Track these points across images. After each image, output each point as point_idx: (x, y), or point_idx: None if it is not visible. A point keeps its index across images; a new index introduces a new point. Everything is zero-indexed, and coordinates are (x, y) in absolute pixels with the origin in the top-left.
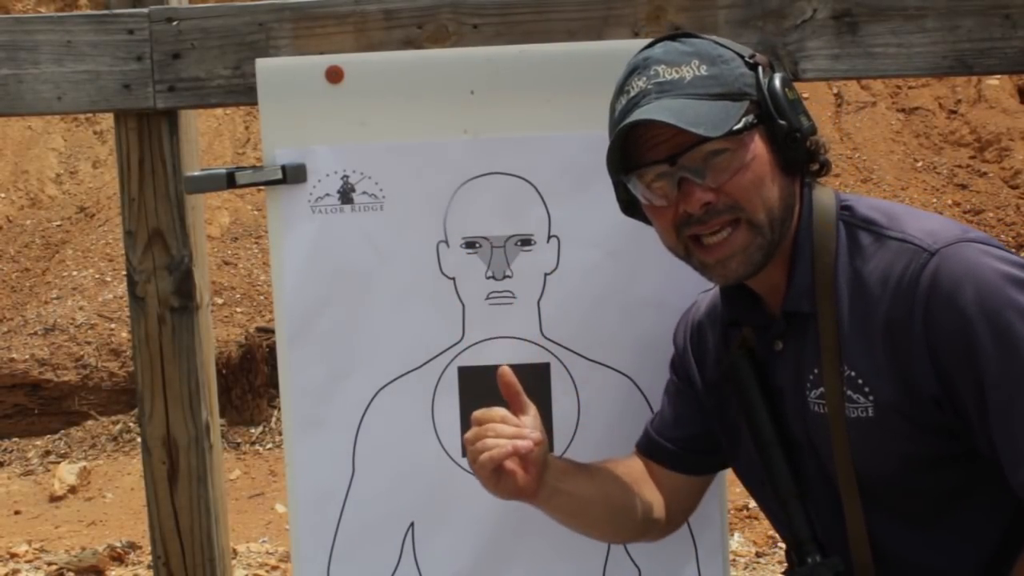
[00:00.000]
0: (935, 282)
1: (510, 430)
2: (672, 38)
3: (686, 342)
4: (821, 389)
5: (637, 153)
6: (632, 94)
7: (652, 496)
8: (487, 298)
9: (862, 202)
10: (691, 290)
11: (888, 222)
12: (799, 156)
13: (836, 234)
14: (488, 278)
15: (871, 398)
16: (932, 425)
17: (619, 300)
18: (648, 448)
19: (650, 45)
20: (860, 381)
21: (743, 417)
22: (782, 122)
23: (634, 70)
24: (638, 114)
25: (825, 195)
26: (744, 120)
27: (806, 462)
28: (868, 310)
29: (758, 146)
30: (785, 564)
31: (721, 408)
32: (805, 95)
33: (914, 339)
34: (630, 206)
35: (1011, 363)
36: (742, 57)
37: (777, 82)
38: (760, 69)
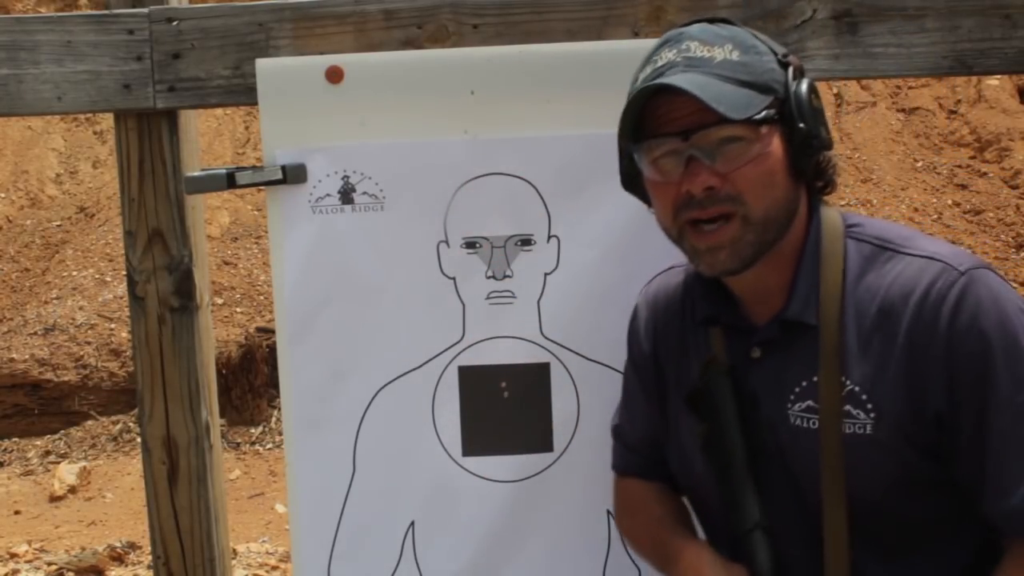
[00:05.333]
0: (962, 301)
1: None
2: (711, 21)
3: (645, 333)
4: (809, 403)
5: (652, 124)
6: (659, 64)
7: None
8: (487, 298)
9: (871, 223)
10: None
11: (904, 242)
12: (811, 164)
13: (844, 250)
14: (488, 278)
15: (872, 415)
16: (927, 445)
17: (619, 299)
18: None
19: (688, 24)
20: (864, 397)
21: (711, 439)
22: (802, 126)
23: (666, 42)
24: (661, 81)
25: (832, 212)
26: (766, 112)
27: (772, 477)
28: (884, 323)
29: (774, 143)
30: None
31: (666, 398)
32: None
33: (935, 353)
34: (631, 180)
35: (1019, 393)
36: (775, 54)
37: (804, 86)
38: (791, 70)
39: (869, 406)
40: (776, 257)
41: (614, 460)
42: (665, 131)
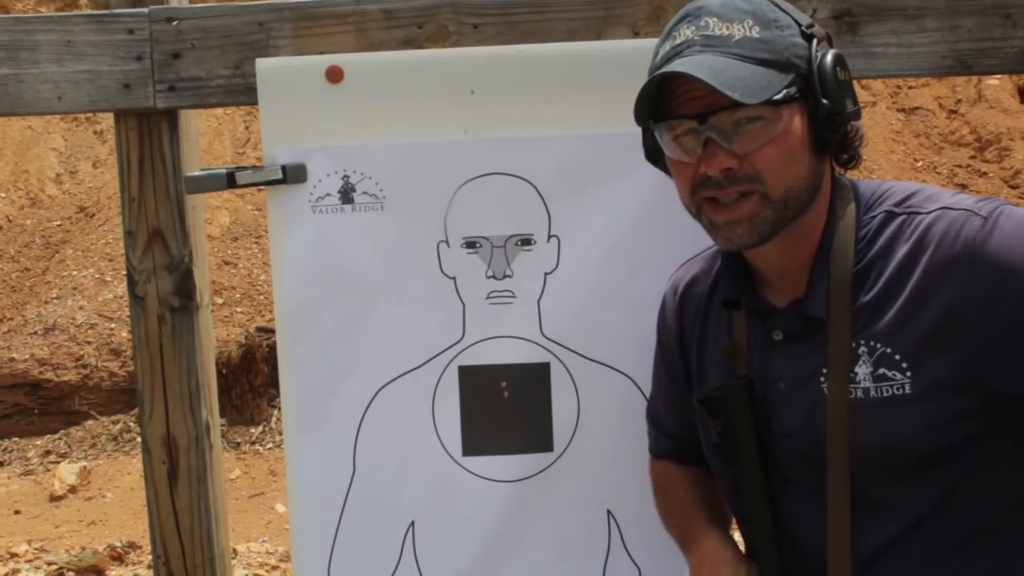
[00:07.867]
0: (993, 236)
1: None
2: None
3: (673, 321)
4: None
5: (670, 103)
6: (677, 41)
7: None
8: (487, 297)
9: (892, 187)
10: None
11: (924, 200)
12: (835, 139)
13: (857, 222)
14: (488, 277)
15: (908, 373)
16: (970, 391)
17: (619, 299)
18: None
19: None
20: (897, 357)
21: (726, 445)
22: (825, 101)
23: (685, 16)
24: (677, 64)
25: (849, 185)
26: (785, 92)
27: (801, 460)
28: (911, 280)
29: (794, 120)
30: None
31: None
32: None
33: (987, 291)
34: (653, 153)
35: None
36: (799, 25)
37: (829, 58)
38: (815, 41)
39: (904, 364)
40: (798, 232)
41: (650, 443)
42: (682, 112)
